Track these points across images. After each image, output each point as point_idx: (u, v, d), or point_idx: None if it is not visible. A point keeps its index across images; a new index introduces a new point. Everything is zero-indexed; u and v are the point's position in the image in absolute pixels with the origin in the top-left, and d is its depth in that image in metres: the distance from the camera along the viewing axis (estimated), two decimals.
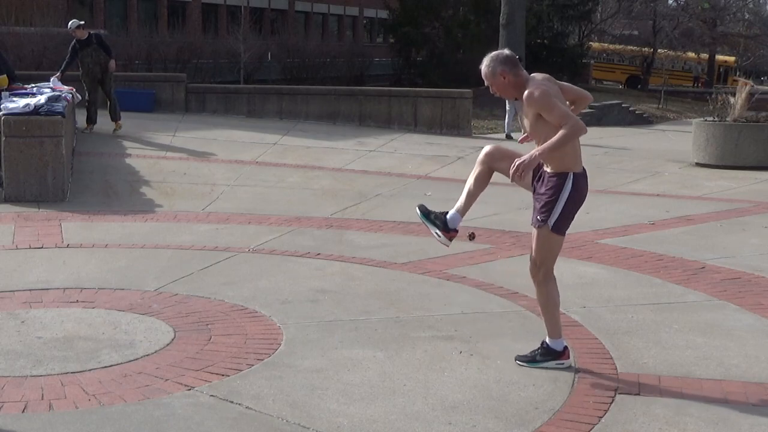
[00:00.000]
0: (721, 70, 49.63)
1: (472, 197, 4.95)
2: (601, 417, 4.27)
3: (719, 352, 5.21)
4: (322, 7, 44.93)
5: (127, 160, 12.77)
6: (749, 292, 6.54)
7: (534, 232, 4.86)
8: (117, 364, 4.80)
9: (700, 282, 6.80)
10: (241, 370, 4.75)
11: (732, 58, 51.16)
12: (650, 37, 44.44)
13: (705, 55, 47.83)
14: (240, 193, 10.95)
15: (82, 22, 14.97)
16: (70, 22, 14.93)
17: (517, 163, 4.57)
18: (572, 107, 4.86)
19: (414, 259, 7.42)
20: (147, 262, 7.12)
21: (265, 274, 6.84)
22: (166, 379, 4.60)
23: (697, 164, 14.68)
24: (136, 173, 11.85)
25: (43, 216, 9.01)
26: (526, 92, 4.61)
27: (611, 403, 4.43)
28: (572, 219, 4.85)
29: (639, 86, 43.87)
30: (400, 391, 4.52)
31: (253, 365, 4.84)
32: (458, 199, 4.97)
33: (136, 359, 4.90)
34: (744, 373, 4.88)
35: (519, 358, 4.99)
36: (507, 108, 19.48)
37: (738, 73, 39.80)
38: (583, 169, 4.79)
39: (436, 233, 4.96)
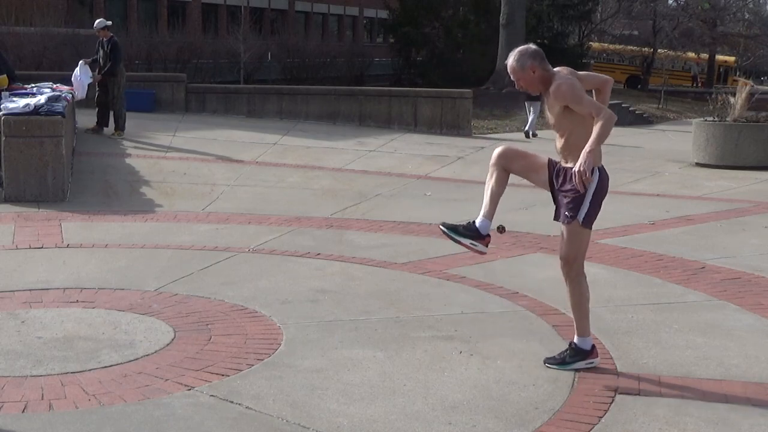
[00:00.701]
0: (721, 70, 49.63)
1: (495, 198, 4.89)
2: (601, 417, 4.26)
3: (719, 352, 5.21)
4: (322, 7, 44.94)
5: (127, 160, 12.78)
6: (749, 292, 6.54)
7: (563, 228, 4.83)
8: (117, 364, 4.80)
9: (700, 282, 6.80)
10: (241, 370, 4.75)
11: (732, 58, 51.16)
12: (650, 37, 44.43)
13: (705, 55, 47.83)
14: (240, 193, 10.95)
15: (109, 23, 15.00)
16: (97, 21, 15.11)
17: (577, 170, 4.54)
18: (598, 96, 4.91)
19: (414, 259, 7.42)
20: (147, 262, 7.12)
21: (265, 274, 6.84)
22: (166, 379, 4.60)
23: (697, 164, 14.68)
24: (136, 173, 11.85)
25: (43, 216, 9.01)
26: (553, 86, 4.64)
27: (611, 403, 4.43)
28: (599, 212, 4.84)
29: (639, 86, 43.87)
30: (400, 391, 4.52)
31: (253, 365, 4.84)
32: (482, 205, 4.92)
33: (136, 359, 4.90)
34: (744, 373, 4.88)
35: (548, 360, 4.95)
36: (528, 108, 19.97)
37: (738, 73, 39.81)
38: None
39: (471, 243, 4.92)
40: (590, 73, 5.15)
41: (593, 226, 4.86)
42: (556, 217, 4.86)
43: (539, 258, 7.57)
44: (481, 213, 4.89)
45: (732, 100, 15.00)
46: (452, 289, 6.49)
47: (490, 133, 20.51)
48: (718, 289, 6.59)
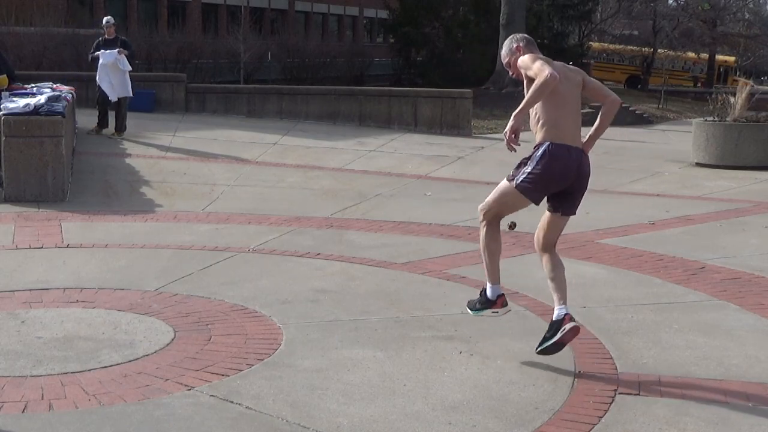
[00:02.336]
0: (721, 70, 49.60)
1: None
2: (601, 417, 4.26)
3: (719, 352, 5.21)
4: (322, 7, 44.92)
5: (127, 160, 12.78)
6: (749, 292, 6.54)
7: (502, 181, 4.99)
8: (117, 364, 4.80)
9: (700, 282, 6.80)
10: (241, 370, 4.75)
11: (732, 58, 51.13)
12: (650, 37, 44.43)
13: (705, 55, 47.82)
14: (240, 193, 10.95)
15: (113, 23, 15.00)
16: (107, 18, 15.13)
17: (505, 131, 4.75)
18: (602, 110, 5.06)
19: (414, 259, 7.42)
20: (147, 262, 7.12)
21: (265, 274, 6.84)
22: (166, 379, 4.60)
23: (697, 164, 14.69)
24: (136, 173, 11.86)
25: (43, 216, 9.01)
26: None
27: (611, 403, 4.43)
28: (544, 189, 4.88)
29: (639, 86, 43.86)
30: (400, 391, 4.52)
31: (253, 365, 4.84)
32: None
33: (136, 359, 4.90)
34: (744, 373, 4.88)
35: (468, 304, 5.28)
36: None
37: (738, 73, 39.78)
38: (571, 145, 4.82)
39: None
40: (600, 85, 5.21)
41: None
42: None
43: (539, 258, 7.56)
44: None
45: (732, 100, 15.00)
46: (452, 289, 6.49)
47: (490, 133, 20.50)
48: (718, 289, 6.59)
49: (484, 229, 5.05)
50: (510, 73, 5.06)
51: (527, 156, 4.87)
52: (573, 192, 4.93)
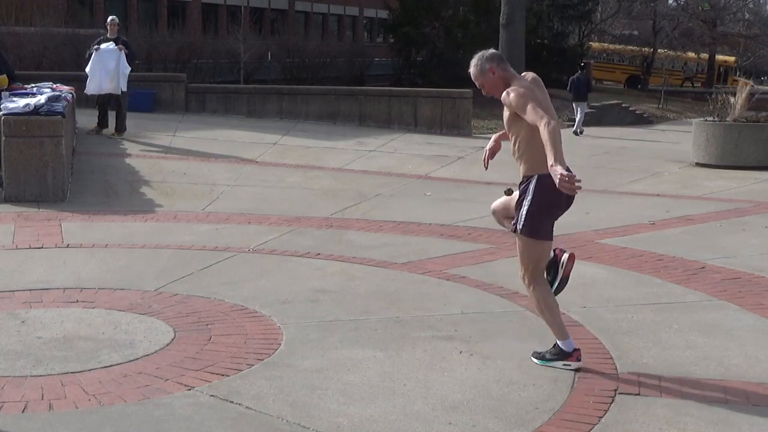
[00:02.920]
0: (721, 70, 49.61)
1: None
2: (601, 417, 4.26)
3: (719, 352, 5.21)
4: (322, 7, 44.91)
5: (127, 160, 12.78)
6: (749, 292, 6.54)
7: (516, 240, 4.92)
8: (117, 364, 4.80)
9: (700, 282, 6.80)
10: (241, 370, 4.75)
11: (732, 58, 51.14)
12: (650, 37, 44.44)
13: (705, 55, 47.83)
14: (240, 193, 10.95)
15: (117, 22, 14.97)
16: (111, 17, 15.12)
17: (563, 179, 4.33)
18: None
19: (414, 259, 7.42)
20: (147, 262, 7.12)
21: (265, 274, 6.84)
22: (166, 379, 4.60)
23: (697, 164, 14.69)
24: (136, 173, 11.85)
25: (43, 216, 9.01)
26: (504, 92, 4.68)
27: (611, 403, 4.43)
28: (548, 221, 4.80)
29: (639, 86, 43.87)
30: (400, 391, 4.52)
31: (253, 365, 4.84)
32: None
33: (136, 359, 4.90)
34: (744, 373, 4.88)
35: (534, 354, 5.02)
36: (575, 108, 22.12)
37: (738, 73, 39.79)
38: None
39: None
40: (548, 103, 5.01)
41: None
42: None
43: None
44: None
45: (732, 100, 15.01)
46: (452, 289, 6.49)
47: (490, 133, 20.44)
48: (718, 289, 6.59)
49: (533, 289, 4.88)
50: (484, 92, 4.89)
51: (519, 201, 4.79)
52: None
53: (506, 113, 4.77)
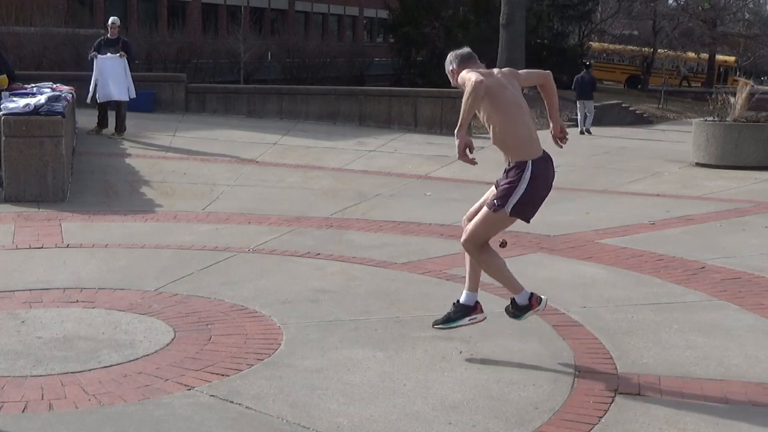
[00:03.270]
0: (721, 70, 49.61)
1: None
2: (601, 417, 4.26)
3: (719, 352, 5.21)
4: (322, 7, 44.92)
5: (127, 160, 12.78)
6: (749, 292, 6.54)
7: (484, 209, 4.91)
8: (117, 364, 4.80)
9: (700, 282, 6.80)
10: (241, 370, 4.75)
11: (732, 58, 51.15)
12: (650, 37, 44.43)
13: (705, 55, 47.83)
14: (240, 193, 10.95)
15: (118, 24, 14.96)
16: (113, 18, 15.10)
17: (458, 151, 4.65)
18: (543, 91, 5.10)
19: (414, 259, 7.42)
20: (147, 262, 7.12)
21: (265, 274, 6.84)
22: (166, 379, 4.60)
23: (697, 164, 14.68)
24: (136, 173, 11.85)
25: (43, 216, 9.01)
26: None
27: (611, 403, 4.43)
28: (536, 206, 4.91)
29: (639, 86, 43.86)
30: (400, 391, 4.52)
31: (253, 365, 4.84)
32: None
33: (136, 359, 4.90)
34: (744, 373, 4.88)
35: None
36: (580, 106, 22.20)
37: (738, 73, 39.78)
38: (545, 153, 4.87)
39: (470, 320, 5.14)
40: (530, 70, 5.28)
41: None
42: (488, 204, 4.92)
43: (539, 258, 7.58)
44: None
45: (732, 100, 15.00)
46: (452, 289, 6.47)
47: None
48: (718, 289, 6.59)
49: (479, 254, 4.95)
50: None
51: (507, 180, 4.81)
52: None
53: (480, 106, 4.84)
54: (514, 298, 5.07)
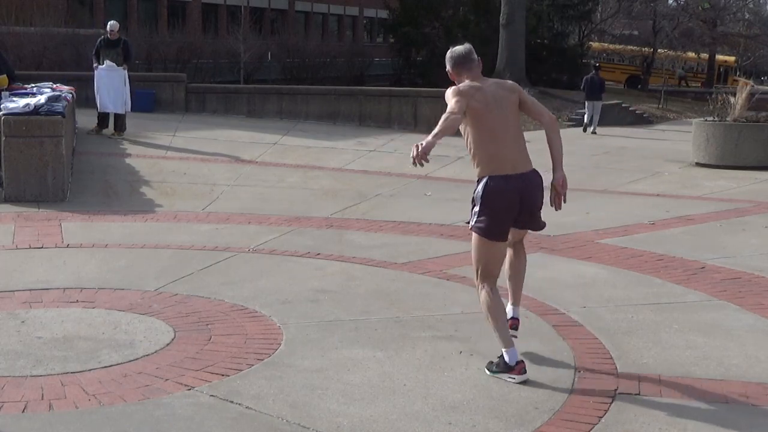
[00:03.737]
0: (721, 70, 49.60)
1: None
2: (601, 417, 4.26)
3: (719, 352, 5.21)
4: (322, 7, 44.92)
5: (127, 160, 12.78)
6: (749, 292, 6.54)
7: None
8: (117, 364, 4.80)
9: (700, 282, 6.80)
10: (241, 370, 4.75)
11: (732, 58, 51.13)
12: (650, 37, 44.40)
13: (705, 55, 47.82)
14: (240, 193, 10.95)
15: (117, 29, 14.96)
16: (112, 21, 15.09)
17: (418, 147, 4.38)
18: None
19: (414, 259, 7.42)
20: (147, 262, 7.12)
21: (265, 274, 6.84)
22: (166, 379, 4.60)
23: (697, 164, 14.68)
24: (136, 173, 11.86)
25: (43, 216, 9.01)
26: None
27: (611, 403, 4.43)
28: (499, 224, 4.69)
29: (639, 86, 43.84)
30: (400, 391, 4.52)
31: (253, 365, 4.84)
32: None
33: (136, 359, 4.90)
34: (744, 373, 4.88)
35: (487, 365, 4.83)
36: (588, 106, 22.50)
37: (738, 73, 39.77)
38: (511, 173, 4.67)
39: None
40: (540, 105, 4.97)
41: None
42: None
43: (539, 258, 7.57)
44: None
45: (732, 100, 14.99)
46: (452, 289, 6.49)
47: None
48: (718, 289, 6.59)
49: (479, 290, 4.78)
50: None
51: (473, 196, 4.76)
52: (532, 212, 4.81)
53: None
54: (503, 352, 4.72)
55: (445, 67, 5.08)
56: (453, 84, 4.93)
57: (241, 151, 14.24)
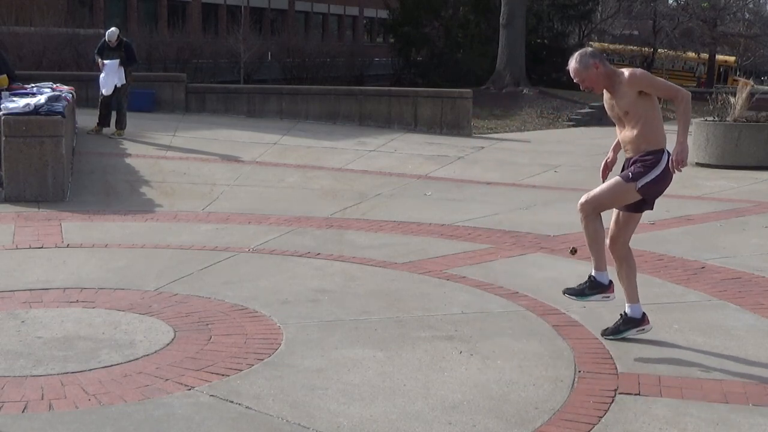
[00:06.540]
0: (721, 70, 49.60)
1: (601, 246, 5.32)
2: (601, 417, 4.26)
3: (719, 352, 5.21)
4: (322, 7, 44.96)
5: (127, 160, 12.78)
6: (749, 292, 6.54)
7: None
8: (117, 364, 4.80)
9: (700, 282, 6.80)
10: (241, 370, 4.75)
11: (732, 58, 51.14)
12: (650, 37, 44.41)
13: (705, 55, 47.83)
14: (240, 193, 10.95)
15: (117, 36, 14.99)
16: (110, 30, 15.07)
17: (676, 158, 4.97)
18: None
19: (414, 259, 7.42)
20: (147, 262, 7.12)
21: (265, 274, 6.84)
22: (166, 379, 4.60)
23: (697, 164, 14.67)
24: (136, 173, 11.86)
25: (43, 216, 9.01)
26: (628, 72, 5.11)
27: (611, 403, 4.43)
28: (659, 194, 5.22)
29: None
30: (400, 391, 4.52)
31: (253, 365, 4.84)
32: (593, 260, 5.40)
33: (136, 359, 4.90)
34: (744, 373, 4.88)
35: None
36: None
37: (738, 73, 39.77)
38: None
39: (604, 297, 5.43)
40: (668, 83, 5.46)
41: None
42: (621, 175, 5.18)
43: (539, 258, 7.58)
44: (593, 267, 5.41)
45: (732, 100, 14.98)
46: (452, 289, 6.49)
47: (490, 133, 20.51)
48: (718, 289, 6.59)
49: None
50: (582, 87, 5.24)
51: (642, 160, 5.08)
52: None
53: (628, 96, 5.06)
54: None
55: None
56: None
57: (241, 151, 14.24)
